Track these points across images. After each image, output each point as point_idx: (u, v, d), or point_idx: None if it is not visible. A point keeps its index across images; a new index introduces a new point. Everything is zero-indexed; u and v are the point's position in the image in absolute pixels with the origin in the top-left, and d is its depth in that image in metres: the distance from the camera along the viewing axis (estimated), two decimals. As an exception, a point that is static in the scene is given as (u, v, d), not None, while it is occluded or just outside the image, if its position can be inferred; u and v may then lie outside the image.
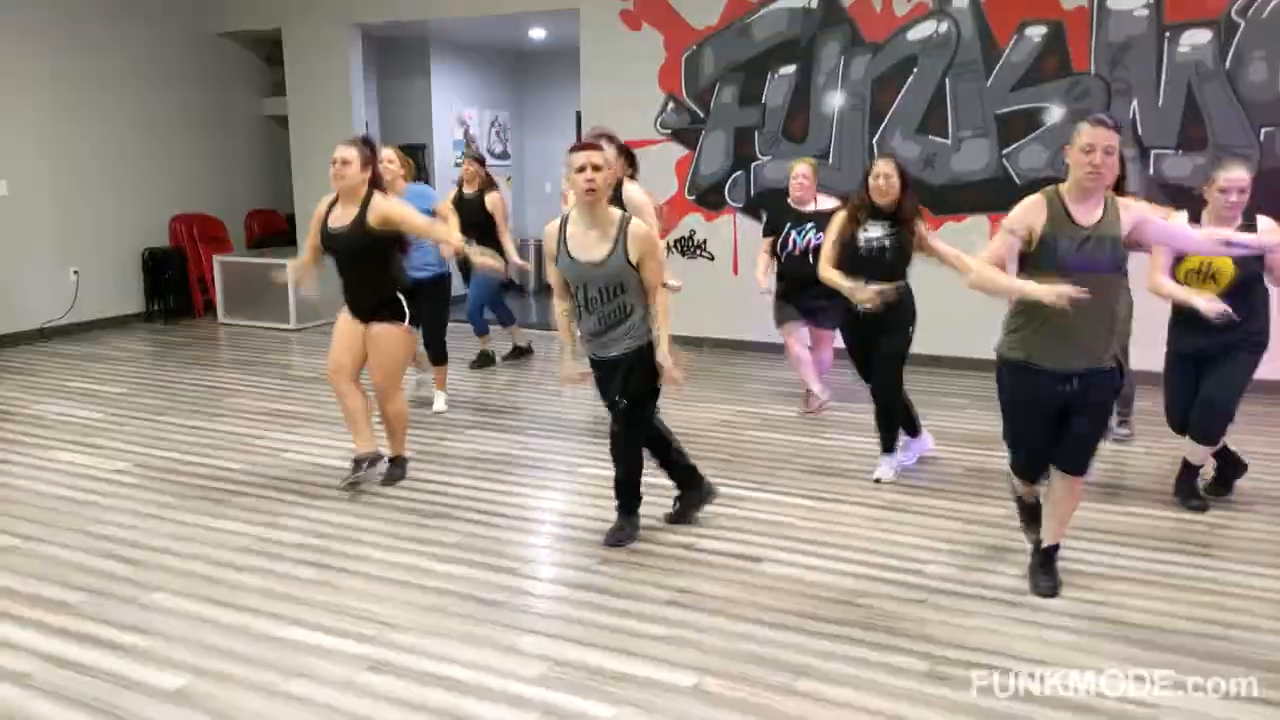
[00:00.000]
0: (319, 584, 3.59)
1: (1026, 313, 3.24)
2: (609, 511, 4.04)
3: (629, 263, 3.63)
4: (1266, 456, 4.81)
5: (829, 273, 4.54)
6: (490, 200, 6.67)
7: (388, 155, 5.65)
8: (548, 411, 6.08)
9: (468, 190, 6.74)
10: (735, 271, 7.75)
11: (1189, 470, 4.32)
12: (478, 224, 6.45)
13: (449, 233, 5.00)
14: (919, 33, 6.97)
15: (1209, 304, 3.73)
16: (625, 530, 3.94)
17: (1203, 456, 4.27)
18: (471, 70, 11.08)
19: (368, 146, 4.46)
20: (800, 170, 5.73)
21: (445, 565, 3.75)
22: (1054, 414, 3.32)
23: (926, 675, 2.93)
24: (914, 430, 4.84)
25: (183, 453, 5.20)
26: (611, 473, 3.97)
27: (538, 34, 10.30)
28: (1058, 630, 3.20)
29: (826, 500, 4.43)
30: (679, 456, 4.06)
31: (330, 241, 4.44)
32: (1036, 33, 6.65)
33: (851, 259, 4.51)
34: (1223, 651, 3.04)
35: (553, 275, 3.85)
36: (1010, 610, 3.35)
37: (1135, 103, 6.44)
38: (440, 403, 6.09)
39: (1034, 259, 3.20)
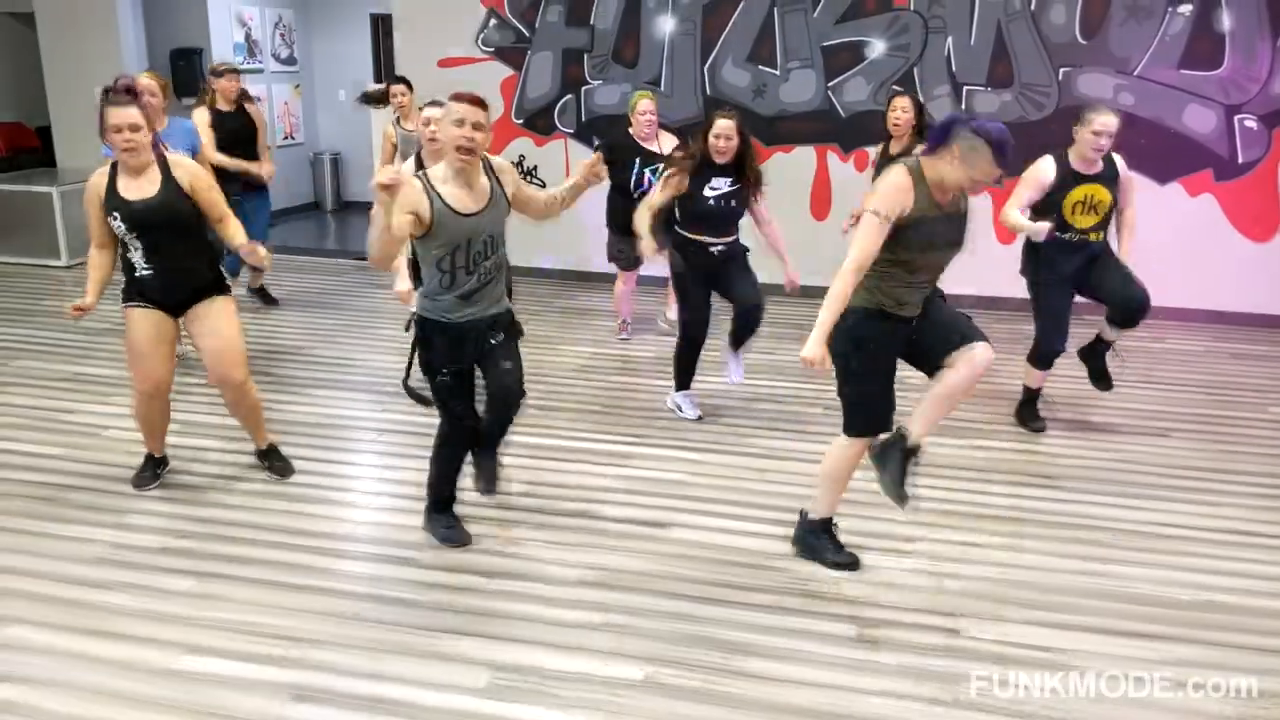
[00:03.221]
0: (203, 597, 3.25)
1: None
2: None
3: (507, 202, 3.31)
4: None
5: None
6: (254, 112, 6.33)
7: (148, 86, 4.92)
8: (382, 366, 5.54)
9: (225, 107, 6.16)
10: (567, 200, 7.57)
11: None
12: (242, 141, 6.16)
13: (238, 232, 3.86)
14: (749, -41, 6.91)
15: (1039, 228, 4.15)
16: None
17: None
18: (248, -36, 9.97)
19: (133, 95, 3.59)
20: (646, 106, 5.60)
21: (345, 562, 3.49)
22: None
23: (855, 641, 3.07)
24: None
25: (-25, 437, 4.50)
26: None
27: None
28: (953, 579, 3.45)
29: (704, 451, 4.49)
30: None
31: (137, 218, 3.64)
32: (861, -34, 6.78)
33: (696, 211, 4.57)
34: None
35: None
36: (902, 560, 3.55)
37: (950, 40, 6.75)
38: None
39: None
